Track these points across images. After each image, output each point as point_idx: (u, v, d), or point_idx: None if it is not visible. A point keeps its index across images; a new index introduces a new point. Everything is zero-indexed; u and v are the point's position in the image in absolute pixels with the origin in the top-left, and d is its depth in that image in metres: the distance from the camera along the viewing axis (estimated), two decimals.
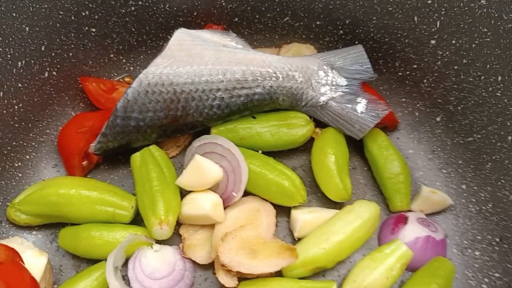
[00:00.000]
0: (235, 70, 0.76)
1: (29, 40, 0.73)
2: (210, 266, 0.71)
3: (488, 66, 0.71)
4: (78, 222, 0.72)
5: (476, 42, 0.71)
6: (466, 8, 0.70)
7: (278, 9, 0.84)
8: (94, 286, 0.67)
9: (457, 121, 0.78)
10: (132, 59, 0.87)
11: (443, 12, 0.72)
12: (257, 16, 0.85)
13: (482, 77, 0.72)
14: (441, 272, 0.68)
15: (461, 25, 0.71)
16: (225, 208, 0.72)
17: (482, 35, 0.70)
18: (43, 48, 0.75)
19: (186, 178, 0.71)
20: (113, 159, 0.80)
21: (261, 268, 0.65)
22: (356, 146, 0.82)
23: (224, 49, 0.78)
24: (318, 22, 0.84)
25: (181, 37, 0.77)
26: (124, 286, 0.66)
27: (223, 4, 0.83)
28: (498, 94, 0.70)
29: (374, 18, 0.78)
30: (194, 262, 0.71)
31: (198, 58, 0.75)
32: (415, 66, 0.80)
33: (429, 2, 0.73)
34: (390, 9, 0.76)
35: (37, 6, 0.71)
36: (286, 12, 0.84)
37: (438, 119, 0.81)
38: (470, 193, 0.77)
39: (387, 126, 0.83)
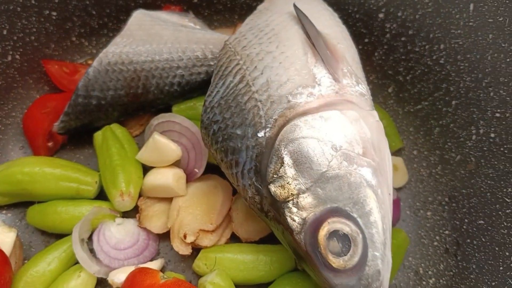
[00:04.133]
0: (194, 48, 0.79)
1: None
2: None
3: (431, 35, 0.74)
4: (44, 199, 0.74)
5: (419, 13, 0.75)
6: None
7: None
8: (62, 258, 0.69)
9: (407, 90, 0.82)
10: (95, 42, 0.89)
11: None
12: None
13: (427, 47, 0.76)
14: (393, 241, 0.72)
15: None
16: (187, 182, 0.75)
17: (424, 5, 0.74)
18: (5, 32, 0.77)
19: (146, 154, 0.73)
20: (78, 139, 0.83)
21: None
22: None
23: (183, 29, 0.81)
24: None
25: (140, 17, 0.80)
26: (90, 257, 0.68)
27: None
28: (441, 61, 0.74)
29: None
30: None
31: (157, 37, 0.78)
32: (366, 40, 0.84)
33: None
34: None
35: None
36: None
37: (389, 90, 0.85)
38: (421, 158, 0.81)
39: None
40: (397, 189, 0.80)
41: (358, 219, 0.51)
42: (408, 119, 0.83)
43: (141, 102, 0.78)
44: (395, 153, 0.82)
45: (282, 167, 0.53)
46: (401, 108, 0.84)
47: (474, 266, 0.69)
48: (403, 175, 0.80)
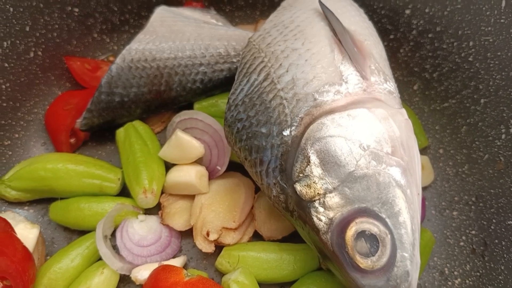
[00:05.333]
0: (217, 45, 0.78)
1: (14, 20, 0.74)
2: None
3: (460, 32, 0.73)
4: (66, 196, 0.74)
5: (448, 9, 0.73)
6: None
7: None
8: (85, 255, 0.69)
9: (433, 88, 0.80)
10: (116, 39, 0.89)
11: None
12: None
13: (455, 43, 0.74)
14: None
15: None
16: (209, 180, 0.74)
17: (453, 1, 0.72)
18: (27, 29, 0.77)
19: (169, 151, 0.73)
20: (100, 136, 0.82)
21: None
22: None
23: (205, 25, 0.80)
24: None
25: (162, 14, 0.79)
26: (113, 253, 0.68)
27: None
28: (470, 59, 0.73)
29: None
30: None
31: (180, 34, 0.77)
32: (391, 36, 0.82)
33: None
34: None
35: None
36: None
37: (415, 87, 0.83)
38: (447, 157, 0.79)
39: None
40: (423, 188, 0.79)
41: (387, 220, 0.50)
42: (434, 117, 0.81)
43: (163, 99, 0.78)
44: (420, 151, 0.80)
45: (308, 166, 0.52)
46: (426, 106, 0.82)
47: (502, 267, 0.68)
48: (429, 174, 0.79)
